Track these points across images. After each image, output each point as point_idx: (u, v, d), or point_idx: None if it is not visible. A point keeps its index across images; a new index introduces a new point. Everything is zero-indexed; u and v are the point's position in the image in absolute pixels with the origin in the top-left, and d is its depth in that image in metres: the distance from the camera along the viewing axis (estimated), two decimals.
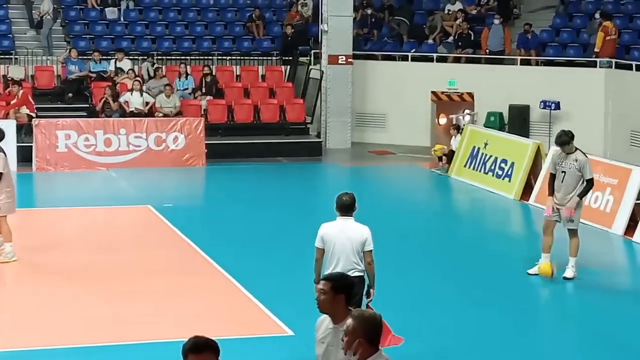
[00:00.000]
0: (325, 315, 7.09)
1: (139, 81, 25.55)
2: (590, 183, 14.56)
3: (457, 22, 29.12)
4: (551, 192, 14.74)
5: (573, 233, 14.65)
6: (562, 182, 14.56)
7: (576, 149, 14.65)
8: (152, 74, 26.97)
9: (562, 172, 14.54)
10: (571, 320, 13.43)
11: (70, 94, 26.17)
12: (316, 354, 7.10)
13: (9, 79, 25.68)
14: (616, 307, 13.82)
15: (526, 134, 25.29)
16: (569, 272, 14.66)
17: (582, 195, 14.52)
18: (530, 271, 14.88)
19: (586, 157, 14.70)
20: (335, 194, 10.55)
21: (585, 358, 12.07)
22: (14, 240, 15.23)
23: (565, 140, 14.58)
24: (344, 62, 27.59)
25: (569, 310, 14.07)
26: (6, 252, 15.19)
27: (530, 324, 13.02)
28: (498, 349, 11.98)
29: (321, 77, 27.27)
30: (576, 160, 14.49)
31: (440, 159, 24.13)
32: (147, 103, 25.20)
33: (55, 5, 29.17)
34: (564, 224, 14.64)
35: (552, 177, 14.79)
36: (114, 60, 27.18)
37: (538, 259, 14.84)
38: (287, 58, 28.85)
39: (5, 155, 15.08)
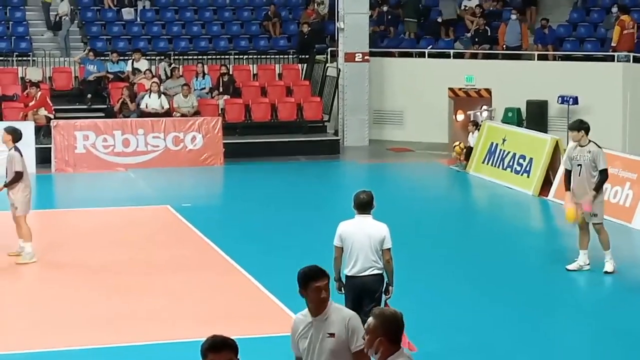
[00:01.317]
0: (299, 317, 7.22)
1: (157, 83, 25.58)
2: (604, 174, 14.57)
3: (475, 18, 29.02)
4: (567, 187, 14.73)
5: (598, 227, 14.65)
6: (579, 175, 14.57)
7: (590, 141, 14.65)
8: (169, 74, 27.01)
9: (579, 165, 14.55)
10: (591, 316, 13.37)
11: (89, 95, 26.24)
12: (299, 349, 7.16)
13: (27, 80, 25.77)
14: (636, 303, 13.76)
15: (544, 130, 25.21)
16: (608, 266, 14.68)
17: (597, 188, 14.50)
18: (570, 267, 14.85)
19: (600, 148, 14.71)
20: (353, 192, 10.55)
21: (604, 353, 12.01)
22: (33, 241, 15.28)
23: (574, 126, 14.71)
24: (361, 60, 27.56)
25: (588, 305, 14.01)
26: (26, 252, 15.25)
27: (549, 320, 12.97)
28: (516, 345, 11.94)
29: (338, 74, 27.25)
30: (590, 152, 14.51)
31: (458, 157, 24.03)
32: (163, 107, 25.19)
33: (72, 7, 29.26)
34: (587, 220, 14.63)
35: (568, 173, 14.79)
36: (131, 60, 27.24)
37: (576, 256, 14.87)
38: (303, 56, 28.84)
39: (22, 156, 15.16)
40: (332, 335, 7.07)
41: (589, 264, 14.81)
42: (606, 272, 14.66)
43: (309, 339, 7.10)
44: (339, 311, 7.19)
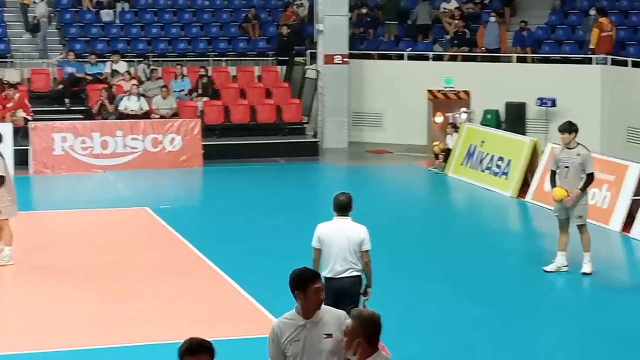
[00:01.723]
0: (284, 321, 7.14)
1: (136, 85, 25.51)
2: (590, 177, 14.66)
3: (454, 20, 29.10)
4: (553, 186, 14.79)
5: (582, 228, 14.74)
6: (565, 177, 14.63)
7: (578, 143, 14.72)
8: (148, 75, 26.96)
9: (566, 167, 14.61)
10: (570, 316, 13.43)
11: (68, 96, 26.15)
12: (282, 355, 7.09)
13: (5, 82, 25.64)
14: (614, 303, 13.84)
15: (523, 132, 25.30)
16: (586, 267, 14.76)
17: (583, 188, 14.58)
18: (547, 268, 14.91)
19: (589, 151, 14.80)
20: (332, 193, 10.55)
21: (583, 353, 12.08)
22: (13, 244, 15.23)
23: (564, 128, 14.72)
24: (340, 62, 27.58)
25: (567, 306, 14.07)
26: (3, 255, 15.19)
27: (528, 321, 13.02)
28: (496, 346, 11.98)
29: (317, 76, 27.26)
30: (579, 155, 14.58)
31: (437, 156, 24.12)
32: (142, 109, 25.13)
33: (50, 9, 29.17)
34: (572, 221, 14.70)
35: (553, 173, 14.86)
36: (109, 62, 27.17)
37: (553, 256, 14.96)
38: (283, 58, 28.84)
39: (3, 159, 15.10)
40: (329, 335, 7.08)
41: (566, 266, 14.88)
42: (584, 273, 14.73)
43: (302, 341, 7.07)
44: (330, 312, 7.22)
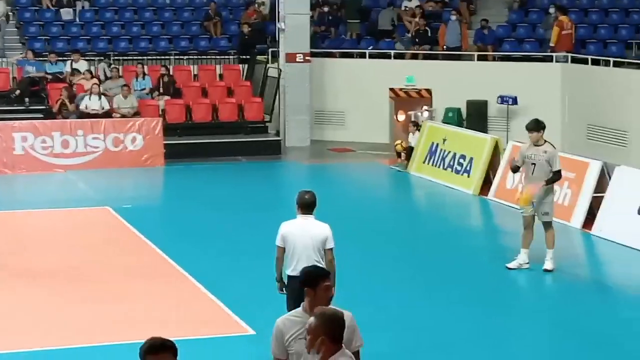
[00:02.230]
0: (289, 319, 7.08)
1: (96, 84, 25.36)
2: (558, 174, 14.78)
3: (415, 19, 29.18)
4: (514, 170, 15.23)
5: (548, 225, 14.83)
6: (532, 173, 14.71)
7: (545, 141, 14.80)
8: (109, 74, 26.81)
9: (532, 164, 14.69)
10: (533, 313, 13.50)
11: (27, 96, 25.95)
12: (285, 352, 7.03)
13: None
14: (576, 300, 13.95)
15: (484, 130, 25.41)
16: (548, 264, 14.85)
17: (548, 181, 14.68)
18: (509, 265, 14.99)
19: (555, 149, 14.90)
20: (295, 192, 10.53)
21: (545, 349, 12.15)
22: None
23: (533, 127, 14.79)
24: (302, 60, 27.56)
25: (530, 302, 14.15)
26: None
27: (491, 317, 13.07)
28: (461, 343, 12.02)
29: (279, 75, 27.23)
30: (545, 152, 14.67)
31: (399, 155, 24.17)
32: (103, 108, 24.98)
33: (9, 7, 28.94)
34: (539, 217, 14.79)
35: (516, 167, 14.98)
36: (70, 61, 26.99)
37: (516, 254, 15.04)
38: (244, 57, 28.78)
39: None
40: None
41: (528, 263, 14.96)
42: (546, 270, 14.82)
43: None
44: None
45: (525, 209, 14.85)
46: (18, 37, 28.99)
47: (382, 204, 21.12)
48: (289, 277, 10.41)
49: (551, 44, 26.48)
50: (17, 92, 26.05)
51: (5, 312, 13.06)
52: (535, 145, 14.77)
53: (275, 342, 7.07)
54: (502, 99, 26.11)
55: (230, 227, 17.98)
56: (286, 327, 7.05)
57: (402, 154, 24.03)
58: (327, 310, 6.27)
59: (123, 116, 24.90)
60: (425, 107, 27.14)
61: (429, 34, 28.80)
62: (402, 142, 24.39)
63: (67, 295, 13.70)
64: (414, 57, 28.75)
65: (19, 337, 12.15)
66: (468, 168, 21.58)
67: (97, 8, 30.07)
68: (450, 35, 28.13)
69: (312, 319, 6.16)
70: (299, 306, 10.14)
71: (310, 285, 7.08)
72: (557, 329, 12.79)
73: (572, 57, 26.19)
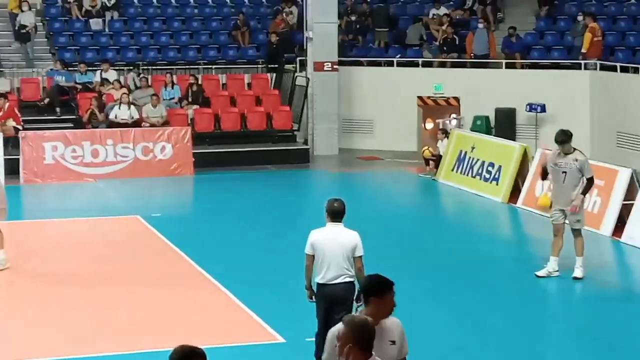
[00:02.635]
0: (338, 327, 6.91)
1: (126, 93, 25.51)
2: (591, 181, 14.74)
3: (443, 27, 29.17)
4: (543, 177, 15.11)
5: (578, 233, 14.80)
6: (563, 182, 14.68)
7: (574, 149, 14.77)
8: (138, 84, 26.96)
9: (563, 172, 14.65)
10: (562, 321, 13.47)
11: (57, 105, 26.13)
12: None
13: None
14: (606, 308, 13.88)
15: (513, 137, 25.35)
16: (578, 272, 14.81)
17: (584, 192, 14.67)
18: (539, 273, 14.96)
19: (585, 156, 14.87)
20: (323, 200, 10.56)
21: (576, 356, 12.11)
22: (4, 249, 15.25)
23: (563, 139, 14.75)
24: (330, 69, 27.61)
25: (559, 311, 14.12)
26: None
27: (521, 325, 13.04)
28: (490, 351, 12.00)
29: (307, 84, 27.29)
30: (576, 160, 14.63)
31: (427, 161, 24.13)
32: (132, 117, 25.13)
33: (39, 18, 29.16)
34: (570, 225, 14.76)
35: (545, 171, 14.94)
36: (99, 71, 27.16)
37: (545, 262, 15.00)
38: (272, 66, 28.86)
39: None
40: (393, 342, 7.12)
41: (557, 271, 14.92)
42: (575, 278, 14.77)
43: None
44: (390, 318, 7.22)
45: (555, 216, 14.81)
46: (48, 47, 29.20)
47: (410, 212, 21.11)
48: (319, 284, 10.44)
49: (583, 50, 26.35)
50: (46, 100, 26.22)
51: (26, 320, 13.15)
52: (565, 154, 14.74)
53: (331, 350, 6.91)
54: (531, 107, 26.04)
55: (260, 235, 18.03)
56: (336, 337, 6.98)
57: (431, 161, 24.01)
58: (357, 318, 6.29)
59: (152, 125, 25.02)
60: (453, 115, 27.12)
61: (457, 42, 28.77)
62: (429, 147, 24.37)
63: (98, 302, 13.77)
64: (442, 65, 28.74)
65: (54, 344, 12.23)
66: (497, 176, 21.54)
67: (126, 18, 30.25)
68: (478, 43, 28.09)
69: (341, 326, 6.18)
70: (328, 315, 10.26)
71: (377, 295, 7.05)
72: (585, 337, 12.74)
73: (600, 64, 26.09)
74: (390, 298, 7.09)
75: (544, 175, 15.20)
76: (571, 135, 14.82)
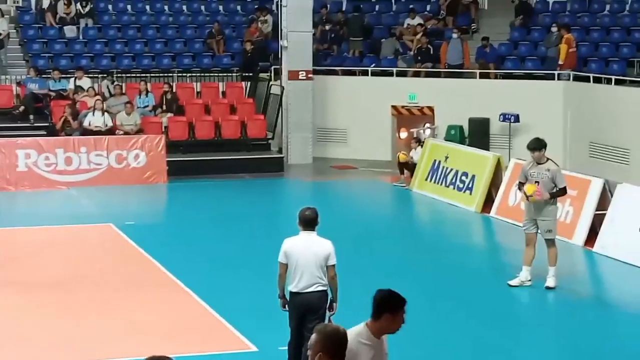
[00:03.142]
0: (360, 341, 6.91)
1: (100, 100, 25.44)
2: (563, 190, 14.77)
3: (417, 36, 29.26)
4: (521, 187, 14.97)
5: (551, 243, 14.84)
6: None
7: (547, 159, 14.83)
8: (112, 91, 26.88)
9: (536, 182, 14.69)
10: (535, 330, 13.51)
11: (32, 113, 26.03)
12: None
13: None
14: (578, 317, 13.96)
15: (486, 147, 25.44)
16: (550, 282, 14.86)
17: (553, 195, 14.68)
18: (511, 282, 15.00)
19: (558, 166, 14.93)
20: (297, 209, 10.58)
21: None
22: None
23: (535, 146, 14.80)
24: (304, 78, 27.65)
25: (531, 320, 14.16)
26: None
27: (493, 335, 13.08)
28: (462, 359, 12.04)
29: (282, 92, 27.30)
30: (548, 170, 14.68)
31: (401, 166, 24.14)
32: (106, 125, 25.05)
33: (12, 24, 29.05)
34: (542, 235, 14.80)
35: (521, 184, 14.96)
36: (73, 78, 27.07)
37: (518, 271, 15.05)
38: (247, 74, 28.87)
39: None
40: (387, 355, 7.10)
41: (530, 280, 14.98)
42: (547, 288, 14.83)
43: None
44: None
45: (527, 225, 14.86)
46: (22, 54, 29.09)
47: (384, 221, 21.15)
48: (292, 293, 10.44)
49: (560, 62, 26.47)
50: (21, 108, 26.12)
51: (9, 327, 13.08)
52: (538, 164, 14.80)
53: None
54: (504, 117, 26.16)
55: (233, 243, 18.01)
56: (358, 351, 6.87)
57: (405, 170, 24.04)
58: (328, 326, 6.28)
59: (126, 133, 24.96)
60: (427, 125, 27.20)
61: (431, 52, 28.87)
62: (404, 153, 24.34)
63: (69, 310, 13.72)
64: (416, 74, 28.83)
65: (24, 352, 12.17)
66: (470, 185, 21.61)
67: (100, 26, 30.18)
68: (452, 53, 28.20)
69: (313, 334, 6.18)
70: (301, 324, 10.27)
71: (390, 311, 6.96)
72: (558, 346, 12.80)
73: (574, 75, 26.24)
74: (402, 315, 7.01)
75: (519, 185, 15.17)
76: (545, 144, 14.87)
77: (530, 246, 14.92)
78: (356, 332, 6.97)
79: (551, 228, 14.80)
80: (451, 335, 12.99)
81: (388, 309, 7.00)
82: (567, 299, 14.75)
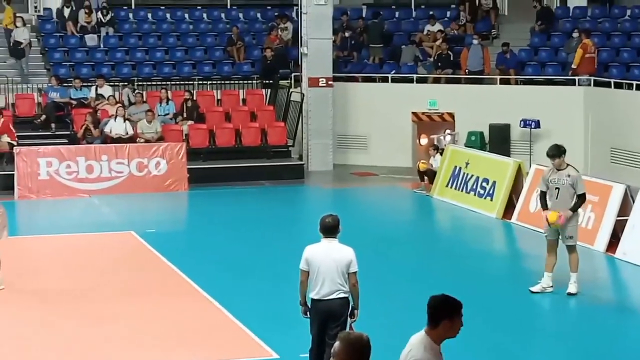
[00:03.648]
0: (424, 350, 6.86)
1: (121, 108, 25.53)
2: (582, 197, 14.76)
3: (437, 43, 29.25)
4: (544, 207, 14.82)
5: (572, 249, 14.81)
6: (556, 198, 14.70)
7: (567, 164, 14.80)
8: (132, 99, 26.98)
9: (556, 188, 14.67)
10: (556, 337, 13.46)
11: (53, 121, 26.15)
12: None
13: None
14: (600, 323, 13.90)
15: (507, 153, 25.39)
16: (572, 288, 14.83)
17: (574, 209, 14.67)
18: (533, 289, 14.96)
19: (578, 172, 14.89)
20: (318, 216, 10.57)
21: None
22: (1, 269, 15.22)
23: (554, 152, 14.78)
24: (325, 85, 27.67)
25: (553, 326, 14.11)
26: None
27: (515, 341, 13.05)
28: None
29: (302, 99, 27.33)
30: (569, 176, 14.65)
31: (421, 175, 24.14)
32: (127, 132, 25.14)
33: (34, 33, 29.19)
34: (563, 241, 14.78)
35: (543, 194, 14.91)
36: (94, 87, 27.18)
37: (540, 278, 15.00)
38: (267, 81, 28.90)
39: None
40: None
41: (552, 286, 14.93)
42: (569, 294, 14.78)
43: None
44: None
45: (549, 232, 14.83)
46: (43, 63, 29.22)
47: (404, 227, 21.12)
48: (313, 300, 10.44)
49: (573, 66, 26.46)
50: (43, 117, 26.24)
51: (22, 337, 13.13)
52: (558, 170, 14.77)
53: None
54: (525, 123, 26.10)
55: (254, 251, 18.02)
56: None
57: (425, 177, 24.01)
58: (352, 334, 6.27)
59: (147, 141, 25.03)
60: (447, 131, 27.17)
61: (451, 58, 28.86)
62: (424, 162, 24.35)
63: (91, 318, 13.75)
64: (437, 81, 28.82)
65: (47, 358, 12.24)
66: (491, 192, 21.56)
67: (121, 34, 30.30)
68: (472, 59, 28.18)
69: (337, 342, 6.18)
70: (322, 331, 10.27)
71: (449, 317, 6.83)
72: (579, 353, 12.74)
73: (594, 80, 26.17)
74: (460, 319, 6.87)
75: (543, 200, 15.04)
76: (564, 150, 14.84)
77: (551, 252, 14.87)
78: (419, 341, 6.87)
79: (572, 234, 14.76)
80: (471, 342, 12.94)
81: (445, 315, 6.86)
82: (589, 305, 14.69)
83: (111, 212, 22.18)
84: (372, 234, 19.16)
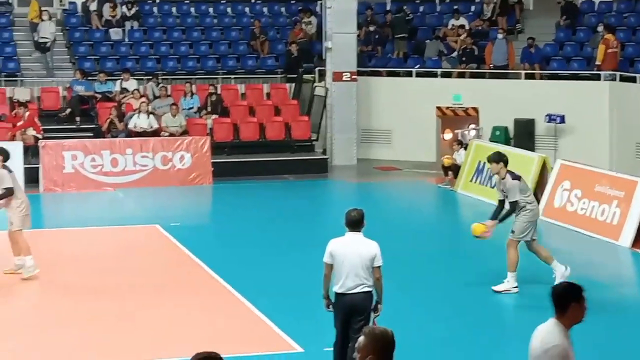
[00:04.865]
0: (561, 338, 7.03)
1: (145, 102, 25.61)
2: (513, 205, 14.61)
3: (461, 37, 29.19)
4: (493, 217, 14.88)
5: (510, 243, 14.74)
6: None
7: (507, 173, 14.67)
8: (157, 93, 27.05)
9: (505, 196, 14.73)
10: (579, 333, 13.40)
11: (78, 115, 26.27)
12: None
13: (15, 101, 25.78)
14: (623, 317, 13.83)
15: (532, 148, 25.31)
16: (500, 286, 14.75)
17: (501, 218, 14.68)
18: (495, 288, 14.86)
19: (515, 181, 14.65)
20: (342, 210, 10.58)
21: None
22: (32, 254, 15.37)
23: (494, 158, 14.83)
24: (349, 79, 27.66)
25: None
26: (27, 265, 15.34)
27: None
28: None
29: (326, 94, 27.34)
30: (505, 185, 14.59)
31: (445, 170, 24.10)
32: (151, 126, 25.22)
33: (59, 27, 29.31)
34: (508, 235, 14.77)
35: (501, 202, 14.98)
36: (119, 80, 27.28)
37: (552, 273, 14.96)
38: (291, 76, 28.92)
39: (11, 172, 15.33)
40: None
41: (516, 287, 14.82)
42: (494, 291, 14.63)
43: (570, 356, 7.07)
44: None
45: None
46: (68, 56, 29.35)
47: (428, 222, 21.10)
48: (337, 294, 10.44)
49: (597, 62, 26.35)
50: (67, 111, 26.36)
51: (46, 328, 13.20)
52: (501, 178, 14.73)
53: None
54: (550, 118, 26.01)
55: (278, 244, 18.05)
56: (568, 346, 7.06)
57: (450, 172, 23.98)
58: (377, 329, 6.27)
59: (171, 135, 25.11)
60: (472, 126, 27.10)
61: (476, 53, 28.78)
62: (449, 157, 24.32)
63: (116, 312, 13.80)
64: (461, 75, 28.76)
65: (74, 355, 12.28)
66: None
67: (145, 28, 30.38)
68: (497, 54, 28.10)
69: (361, 337, 6.18)
70: (346, 325, 10.27)
71: (577, 300, 7.07)
72: (603, 347, 12.68)
73: (620, 75, 26.05)
74: (585, 302, 7.12)
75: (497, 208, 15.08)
76: (506, 159, 14.70)
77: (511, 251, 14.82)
78: (552, 328, 7.11)
79: (514, 229, 14.66)
80: (495, 332, 12.94)
81: (573, 298, 7.09)
82: (613, 300, 14.61)
83: (136, 206, 22.27)
84: (396, 228, 19.14)
